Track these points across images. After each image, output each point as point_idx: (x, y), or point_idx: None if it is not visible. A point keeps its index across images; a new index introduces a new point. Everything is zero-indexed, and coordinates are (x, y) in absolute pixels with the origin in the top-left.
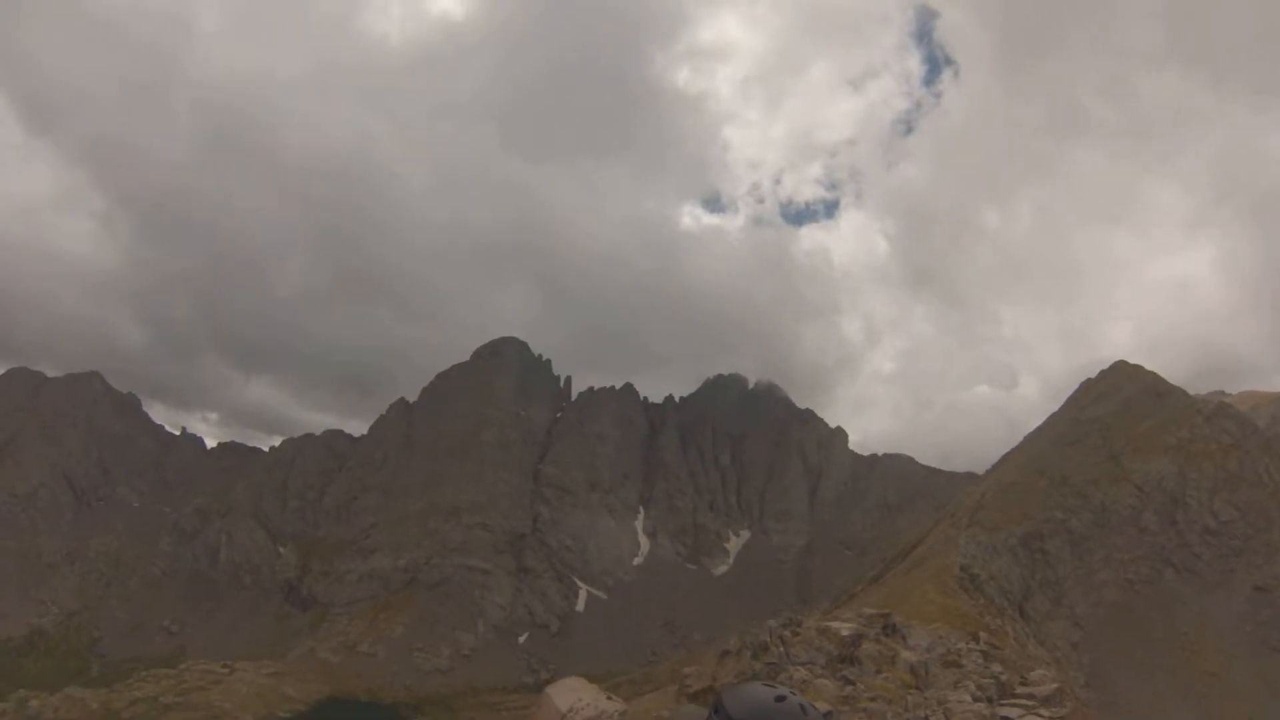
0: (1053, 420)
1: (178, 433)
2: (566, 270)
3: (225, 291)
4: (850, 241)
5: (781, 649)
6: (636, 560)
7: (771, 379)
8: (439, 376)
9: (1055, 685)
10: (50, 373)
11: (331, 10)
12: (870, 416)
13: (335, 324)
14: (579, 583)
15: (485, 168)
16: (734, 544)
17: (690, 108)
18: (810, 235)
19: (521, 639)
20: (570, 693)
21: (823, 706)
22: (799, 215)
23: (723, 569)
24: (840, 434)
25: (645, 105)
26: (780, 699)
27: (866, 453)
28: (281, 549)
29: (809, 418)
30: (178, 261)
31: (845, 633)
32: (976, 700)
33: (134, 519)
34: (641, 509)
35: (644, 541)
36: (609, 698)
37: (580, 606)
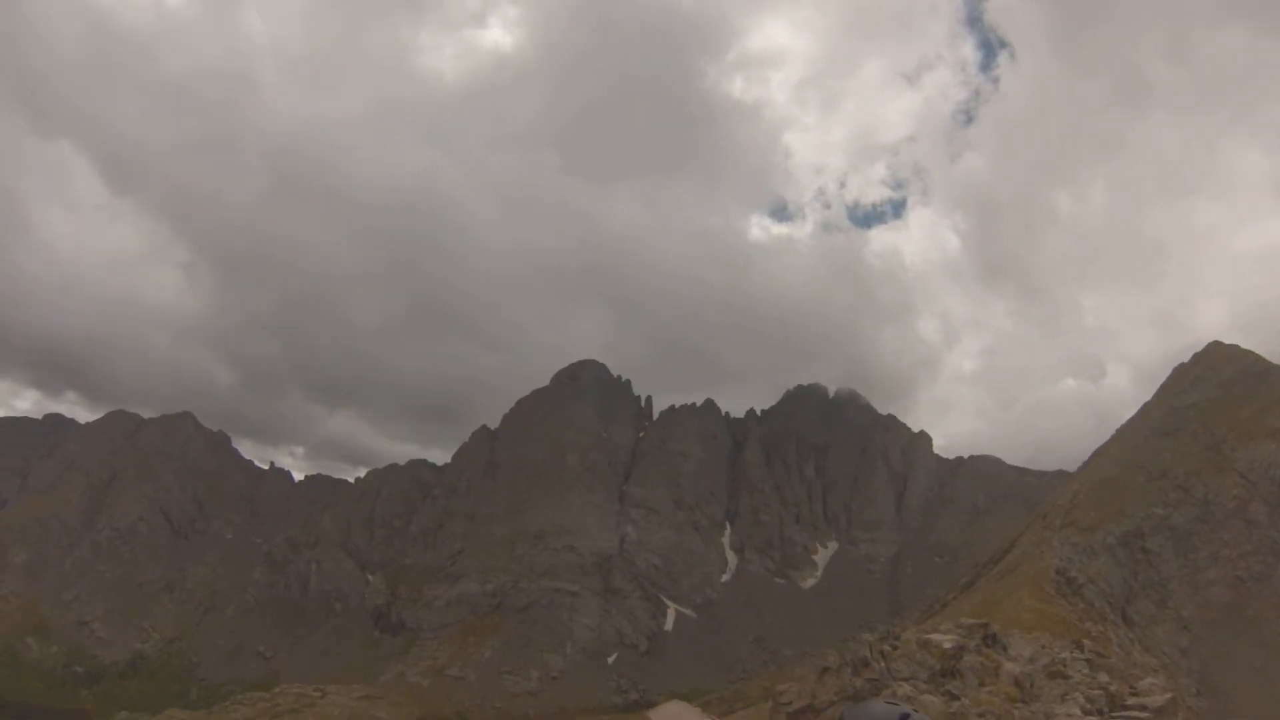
0: (1146, 410)
1: (266, 467)
2: (639, 290)
3: (305, 329)
4: (921, 240)
5: (882, 664)
6: (724, 577)
7: (852, 386)
8: (519, 402)
9: (1168, 695)
10: (146, 414)
11: (385, 53)
12: (954, 418)
13: (413, 355)
14: (667, 601)
15: (549, 193)
16: (821, 556)
17: (747, 117)
18: (880, 237)
19: (610, 660)
20: (674, 716)
21: None
22: (867, 217)
23: (811, 582)
24: (924, 438)
25: (702, 119)
26: (905, 717)
27: (952, 456)
28: (370, 577)
29: (892, 424)
30: (259, 303)
31: (947, 645)
32: (1087, 714)
33: (228, 550)
34: (728, 525)
35: (731, 557)
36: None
37: (669, 625)
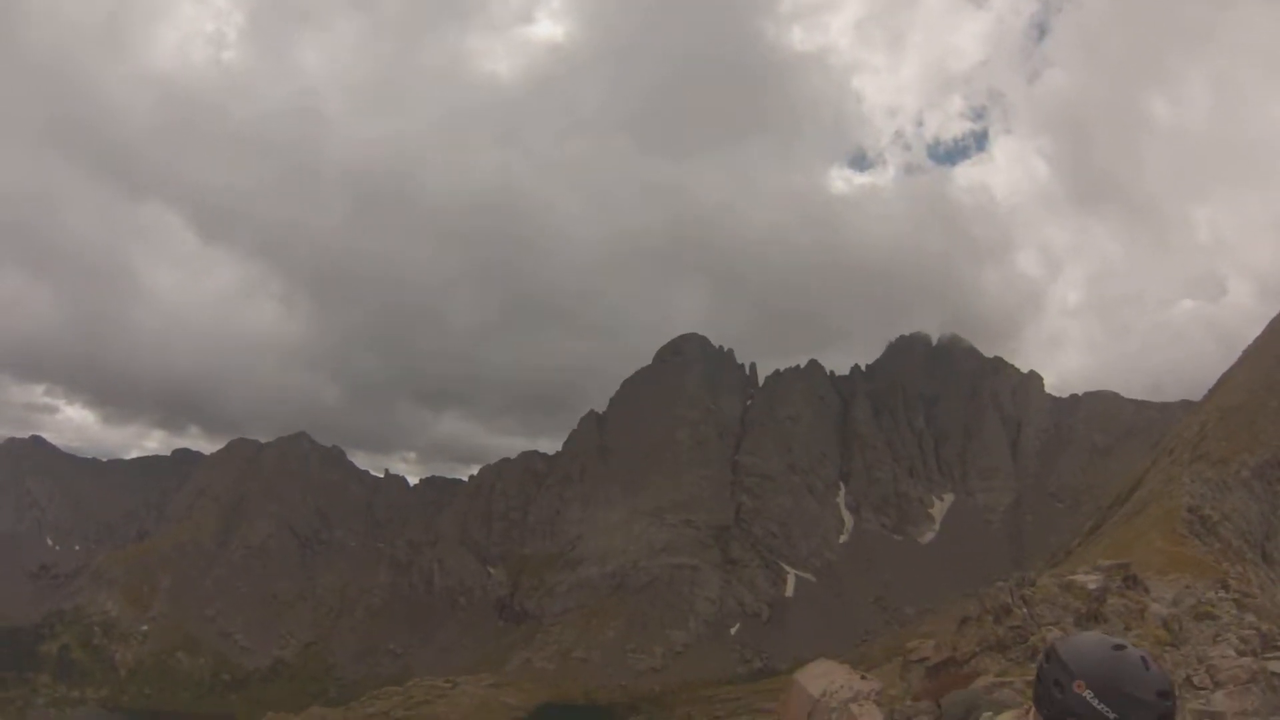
0: (1275, 327)
1: (382, 475)
2: (729, 258)
3: (403, 339)
4: (1008, 171)
5: (1024, 610)
6: (842, 538)
7: (955, 332)
8: (625, 383)
9: None
10: (264, 439)
11: (440, 65)
12: (1065, 355)
13: (512, 351)
14: (786, 567)
15: (627, 174)
16: (938, 509)
17: (813, 67)
18: (965, 173)
19: (733, 630)
20: (821, 677)
21: None
22: (950, 154)
23: (929, 537)
24: (1035, 379)
25: (768, 77)
26: (1119, 648)
27: (1066, 395)
28: (491, 569)
29: (1000, 366)
30: (355, 320)
31: (1092, 586)
32: (1241, 655)
33: (353, 557)
34: (841, 485)
35: (847, 518)
36: (862, 676)
37: (789, 591)
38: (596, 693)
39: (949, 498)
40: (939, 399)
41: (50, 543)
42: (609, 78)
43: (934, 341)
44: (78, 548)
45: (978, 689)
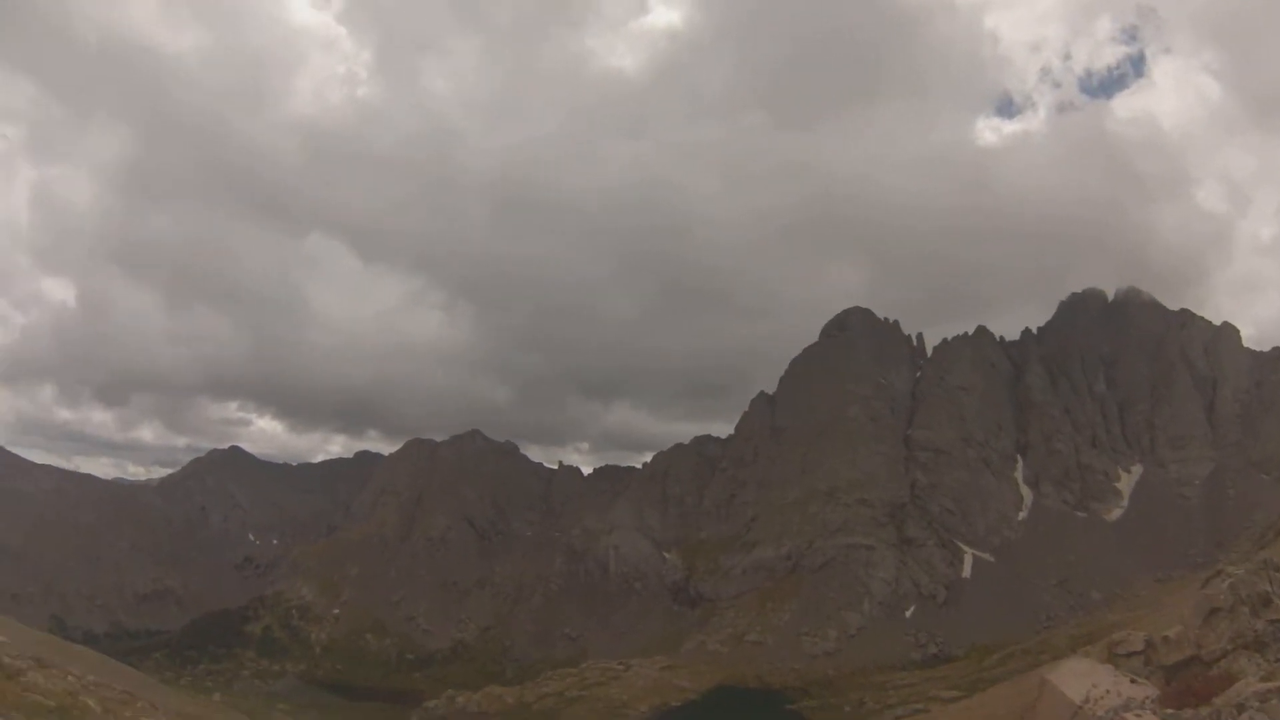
0: None
1: (555, 467)
2: (882, 226)
3: (564, 335)
4: (1174, 95)
5: None
6: (1021, 515)
7: (1133, 284)
8: (793, 363)
9: None
10: (438, 439)
11: (561, 68)
12: (1263, 300)
13: (673, 338)
14: (964, 547)
15: (762, 151)
16: (1126, 482)
17: (940, 11)
18: (1125, 104)
19: (908, 613)
20: (1081, 678)
21: None
22: (1105, 85)
23: (1117, 513)
24: (1229, 331)
25: (894, 31)
26: None
27: (1267, 347)
28: (666, 554)
29: (1187, 319)
30: (516, 322)
31: None
32: None
33: (529, 546)
34: (1019, 458)
35: (1026, 493)
36: (1132, 680)
37: (967, 572)
38: (769, 676)
39: (1137, 470)
40: (1120, 360)
41: (252, 538)
42: (730, 57)
43: (1110, 297)
44: (275, 542)
45: (1249, 694)
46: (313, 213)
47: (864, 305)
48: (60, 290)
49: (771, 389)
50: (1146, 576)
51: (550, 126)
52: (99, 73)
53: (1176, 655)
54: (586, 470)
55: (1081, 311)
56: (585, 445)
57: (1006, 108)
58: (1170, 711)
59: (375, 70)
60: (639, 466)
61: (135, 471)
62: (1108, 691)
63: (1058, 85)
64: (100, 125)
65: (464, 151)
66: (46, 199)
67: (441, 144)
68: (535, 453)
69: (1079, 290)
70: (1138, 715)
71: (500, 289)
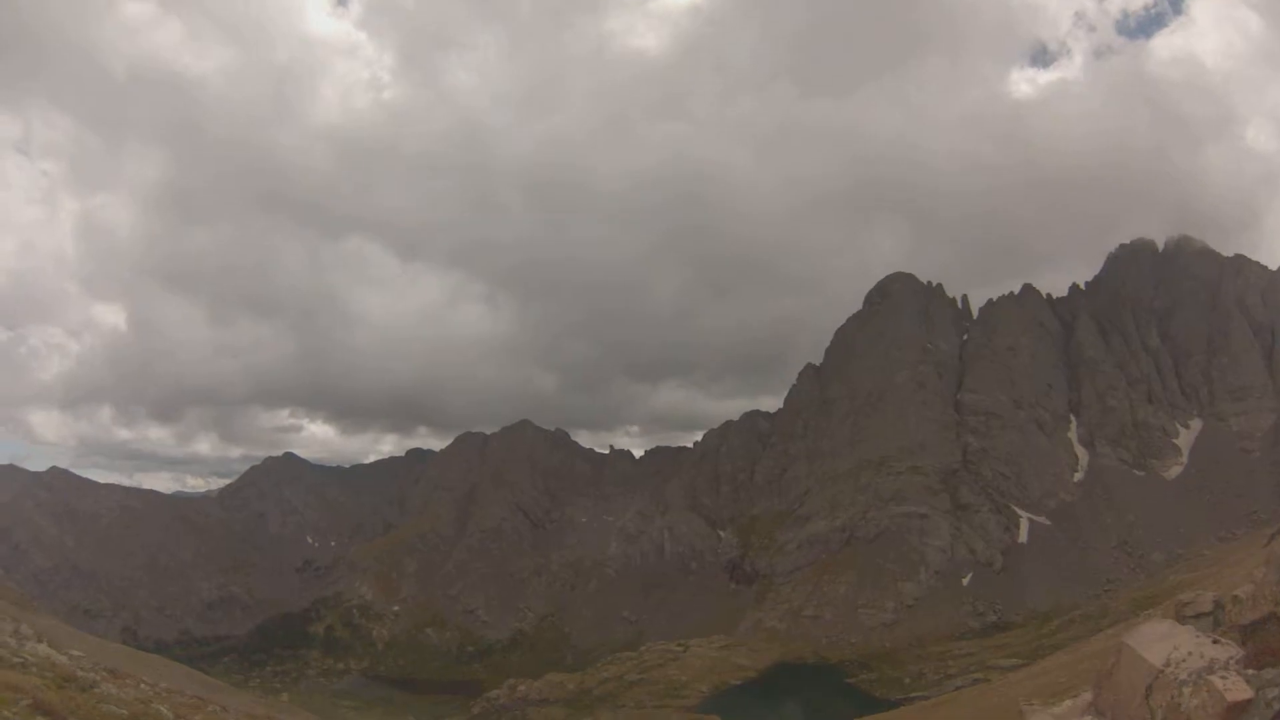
0: None
1: (606, 451)
2: (919, 189)
3: (608, 320)
4: (1215, 31)
5: None
6: (1076, 476)
7: (1183, 232)
8: (838, 332)
9: None
10: (489, 430)
11: (584, 53)
12: None
13: (717, 315)
14: (1019, 511)
15: (794, 121)
16: (1184, 438)
17: None
18: (1164, 44)
19: (965, 581)
20: (1162, 641)
21: None
22: (1143, 26)
23: (1176, 471)
24: None
25: None
26: None
27: None
28: (721, 533)
29: (1242, 265)
30: (558, 310)
31: None
32: None
33: (584, 532)
34: (1072, 417)
35: (1081, 453)
36: (1214, 640)
37: (1023, 537)
38: (827, 650)
39: (1196, 424)
40: (1174, 311)
41: (310, 541)
42: (754, 27)
43: (1160, 247)
44: (333, 543)
45: None
46: (348, 217)
47: (906, 270)
48: (110, 315)
49: (818, 360)
50: (1209, 535)
51: (578, 111)
52: (130, 101)
53: (1252, 614)
54: (638, 453)
55: (1131, 263)
56: (635, 428)
57: (1041, 56)
58: (1253, 672)
59: (398, 72)
60: (689, 446)
61: (194, 484)
62: (1190, 654)
63: (1093, 29)
64: (135, 151)
65: (494, 143)
66: (90, 228)
67: (470, 138)
68: (585, 438)
69: (1127, 241)
70: (1223, 677)
71: (540, 277)
